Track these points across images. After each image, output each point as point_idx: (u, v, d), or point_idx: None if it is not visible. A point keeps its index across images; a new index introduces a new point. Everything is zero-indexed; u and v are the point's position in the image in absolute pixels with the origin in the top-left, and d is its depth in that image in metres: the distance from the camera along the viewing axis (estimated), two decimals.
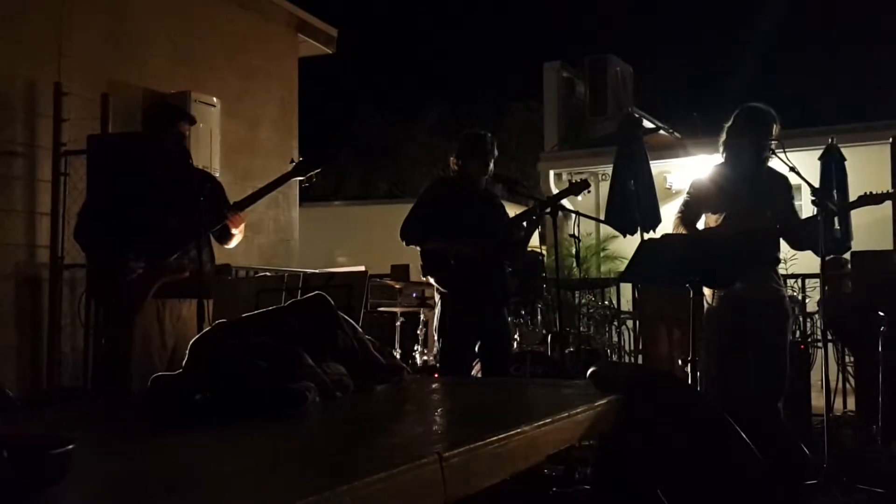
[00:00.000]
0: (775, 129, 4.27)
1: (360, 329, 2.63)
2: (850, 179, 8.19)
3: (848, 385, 6.64)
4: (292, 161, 4.23)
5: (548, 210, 4.78)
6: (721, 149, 4.44)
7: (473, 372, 5.05)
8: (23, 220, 6.26)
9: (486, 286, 4.68)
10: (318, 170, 4.12)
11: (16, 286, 6.21)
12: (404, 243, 4.76)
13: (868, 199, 4.25)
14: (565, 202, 4.92)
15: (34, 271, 6.28)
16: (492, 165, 4.84)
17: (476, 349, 4.86)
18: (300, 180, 4.19)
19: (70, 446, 1.26)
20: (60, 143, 6.28)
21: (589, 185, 4.93)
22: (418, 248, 4.76)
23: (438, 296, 4.76)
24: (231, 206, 4.04)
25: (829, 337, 6.60)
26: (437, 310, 4.76)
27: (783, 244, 4.40)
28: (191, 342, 2.34)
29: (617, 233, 8.30)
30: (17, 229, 6.22)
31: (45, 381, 6.19)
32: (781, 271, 4.58)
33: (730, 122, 4.39)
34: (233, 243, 4.17)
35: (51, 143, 6.28)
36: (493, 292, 4.74)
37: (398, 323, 6.84)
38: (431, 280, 4.75)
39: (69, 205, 6.11)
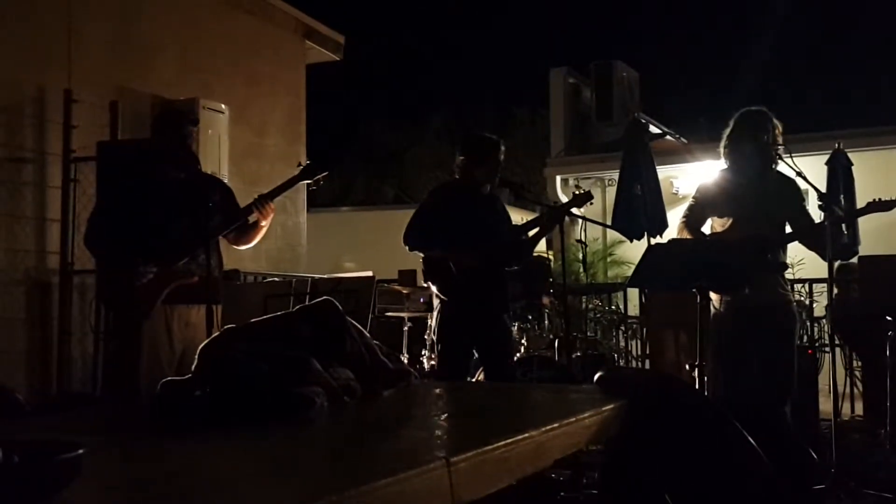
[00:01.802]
0: (775, 128, 4.27)
1: (367, 334, 2.63)
2: (857, 184, 8.18)
3: (856, 389, 6.63)
4: (299, 165, 4.25)
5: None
6: (723, 155, 4.44)
7: (476, 379, 5.05)
8: (33, 227, 6.29)
9: (487, 294, 4.67)
10: (325, 173, 4.13)
11: (26, 292, 6.24)
12: (407, 248, 4.76)
13: (876, 206, 4.24)
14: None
15: (44, 277, 6.31)
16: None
17: (477, 357, 4.86)
18: (307, 184, 4.20)
19: (80, 451, 1.27)
20: (70, 150, 6.31)
21: (592, 198, 4.88)
22: (420, 255, 4.76)
23: (437, 301, 4.76)
24: (261, 197, 4.03)
25: (837, 341, 6.58)
26: (435, 315, 4.76)
27: (790, 247, 4.40)
28: (199, 347, 2.35)
29: (624, 238, 8.29)
30: (27, 235, 6.26)
31: (55, 386, 6.21)
32: (788, 276, 4.57)
33: (728, 129, 4.40)
34: (256, 239, 4.15)
35: (61, 149, 6.31)
36: (492, 300, 4.73)
37: (405, 328, 6.84)
38: (432, 287, 4.75)
39: (79, 211, 6.14)
